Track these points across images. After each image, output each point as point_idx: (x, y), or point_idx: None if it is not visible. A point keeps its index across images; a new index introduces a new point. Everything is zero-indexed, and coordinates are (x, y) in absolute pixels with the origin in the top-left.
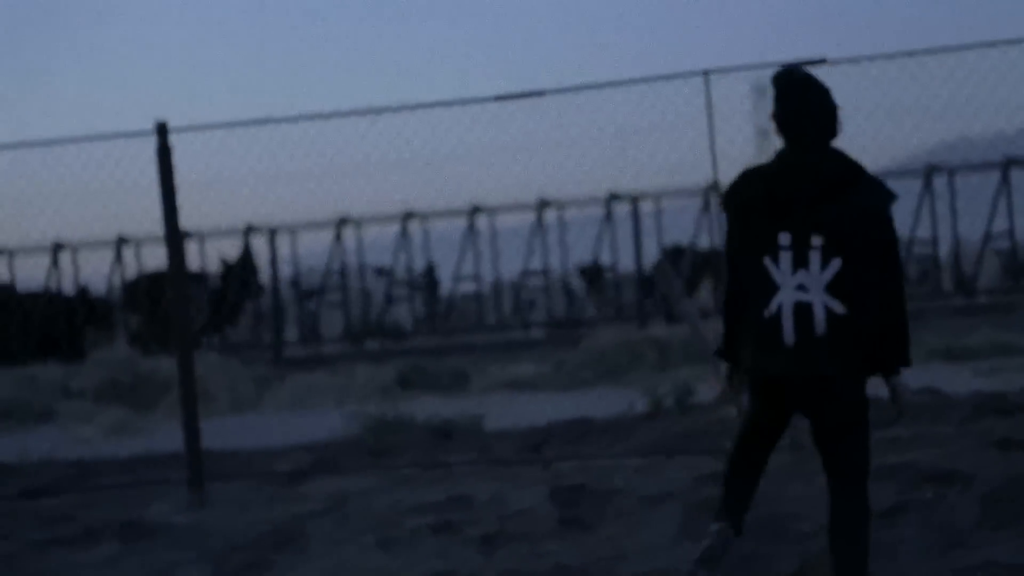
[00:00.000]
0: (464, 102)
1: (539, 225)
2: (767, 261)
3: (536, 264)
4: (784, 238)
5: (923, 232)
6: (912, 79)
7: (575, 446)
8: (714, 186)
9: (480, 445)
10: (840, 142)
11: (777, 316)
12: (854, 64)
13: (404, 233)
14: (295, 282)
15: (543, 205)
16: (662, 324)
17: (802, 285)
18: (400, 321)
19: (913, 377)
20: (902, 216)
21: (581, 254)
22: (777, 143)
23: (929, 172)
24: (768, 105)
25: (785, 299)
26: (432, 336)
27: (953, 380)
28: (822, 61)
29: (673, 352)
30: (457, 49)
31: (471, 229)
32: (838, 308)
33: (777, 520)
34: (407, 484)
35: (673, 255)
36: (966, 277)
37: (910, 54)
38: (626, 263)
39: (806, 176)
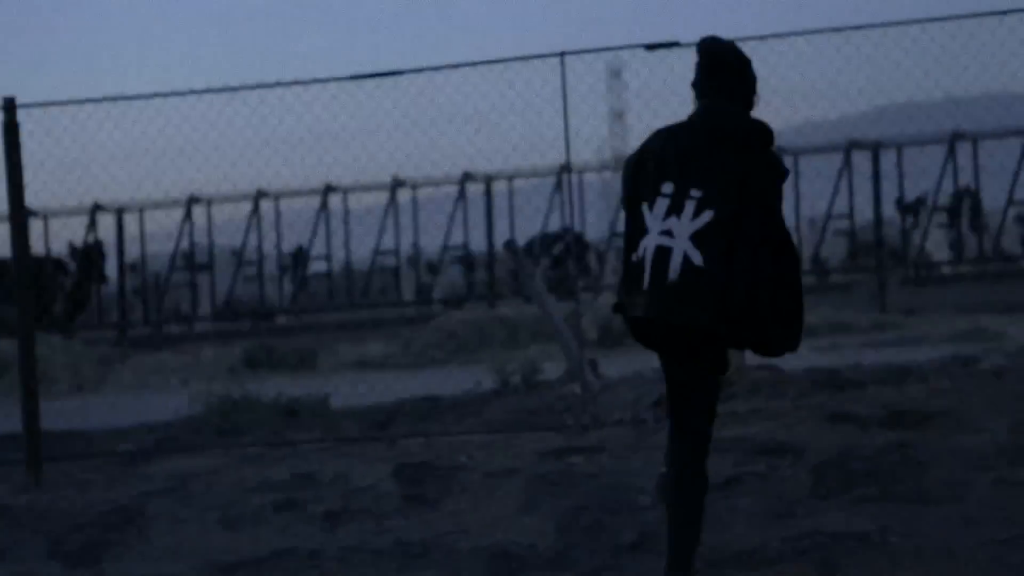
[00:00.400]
0: (321, 81)
1: (392, 205)
2: (644, 207)
3: (391, 243)
4: (667, 187)
5: None
6: (762, 63)
7: (421, 424)
8: (567, 166)
9: (326, 424)
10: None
11: (641, 260)
12: None
13: (256, 212)
14: (134, 266)
15: (397, 185)
16: (517, 303)
17: (668, 231)
18: (266, 300)
19: (748, 355)
20: None
21: (434, 234)
22: (632, 124)
23: None
24: (622, 87)
25: (649, 243)
26: (295, 315)
27: (792, 356)
28: (675, 44)
29: (523, 331)
30: (313, 28)
31: (324, 209)
32: (696, 258)
33: (619, 491)
34: (252, 463)
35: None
36: (819, 257)
37: (761, 38)
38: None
39: (704, 134)
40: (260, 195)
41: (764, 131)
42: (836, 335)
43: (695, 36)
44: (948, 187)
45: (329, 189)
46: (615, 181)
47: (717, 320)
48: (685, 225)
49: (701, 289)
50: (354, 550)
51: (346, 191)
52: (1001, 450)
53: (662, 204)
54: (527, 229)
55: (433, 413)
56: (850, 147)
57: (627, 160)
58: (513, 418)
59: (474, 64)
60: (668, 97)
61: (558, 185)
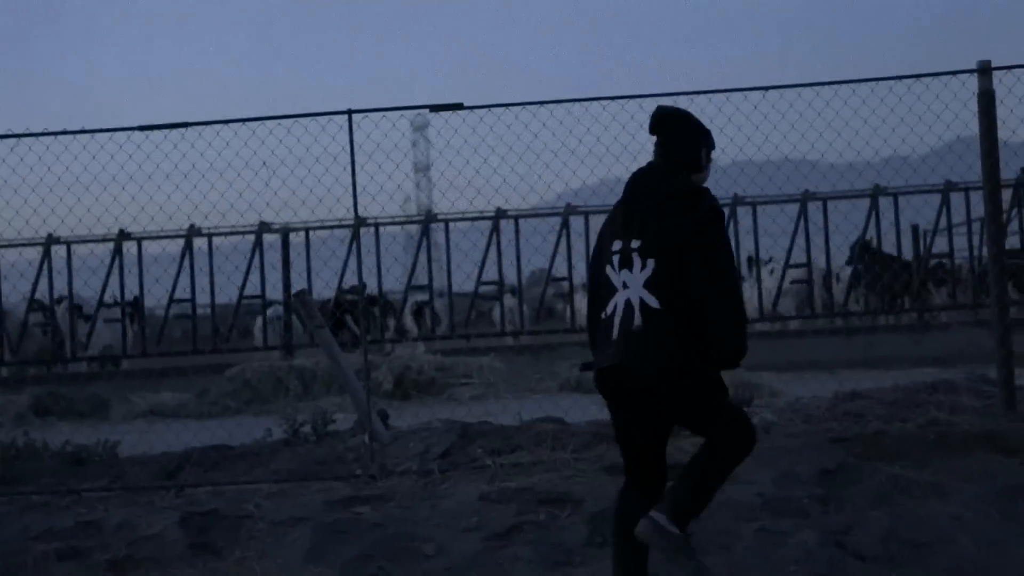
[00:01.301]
0: (110, 131)
1: (189, 252)
2: (608, 269)
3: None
4: (616, 244)
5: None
6: (560, 124)
7: (210, 472)
8: (356, 220)
9: (114, 472)
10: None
11: (611, 316)
12: (490, 111)
13: (47, 256)
14: None
15: (193, 233)
16: (313, 353)
17: (625, 284)
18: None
19: (545, 407)
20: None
21: (232, 281)
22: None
23: (567, 213)
24: (425, 144)
25: (618, 299)
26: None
27: (583, 410)
28: (459, 106)
29: (318, 382)
30: (106, 81)
31: (118, 254)
32: (653, 303)
33: (403, 540)
34: (36, 511)
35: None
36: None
37: (542, 103)
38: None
39: (642, 194)
40: (51, 240)
41: (687, 190)
42: None
43: (480, 101)
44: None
45: (123, 236)
46: (418, 234)
47: (678, 354)
48: (637, 275)
49: (661, 329)
50: None
51: (140, 239)
52: (766, 502)
53: (615, 261)
54: (330, 281)
55: (223, 462)
56: None
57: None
58: (302, 467)
59: (263, 119)
60: (469, 154)
61: (353, 238)
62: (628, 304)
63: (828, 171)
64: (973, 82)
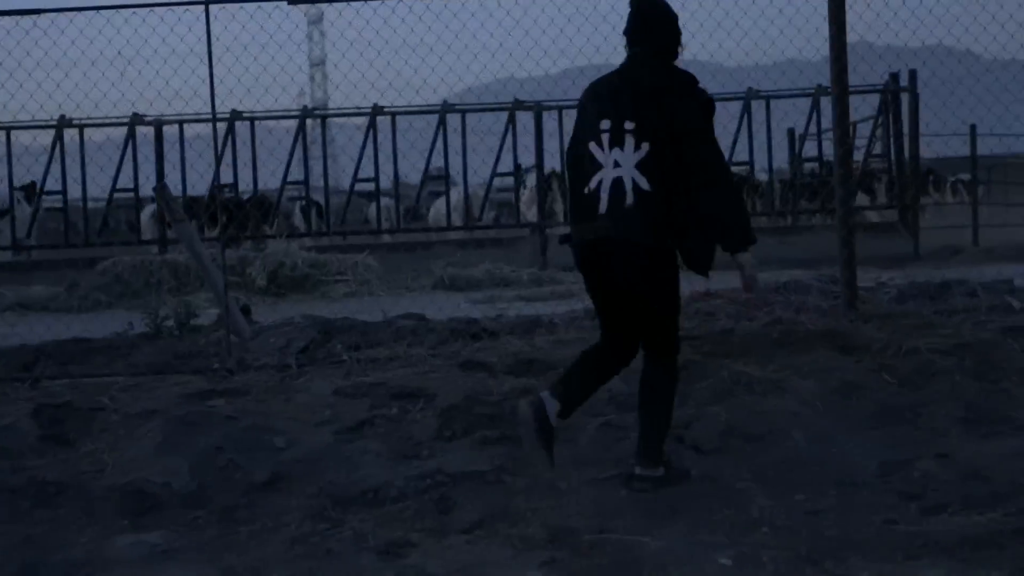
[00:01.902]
0: None
1: (60, 143)
2: (592, 145)
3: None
4: (605, 123)
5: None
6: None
7: (68, 366)
8: (213, 115)
9: None
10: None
11: (596, 190)
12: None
13: None
14: None
15: (64, 124)
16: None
17: (617, 163)
18: None
19: (418, 303)
20: None
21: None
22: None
23: (444, 111)
24: (320, 37)
25: (604, 176)
26: None
27: (451, 308)
28: None
29: (193, 277)
30: None
31: None
32: (644, 184)
33: (256, 433)
34: None
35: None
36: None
37: None
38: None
39: (632, 76)
40: None
41: (685, 79)
42: (496, 288)
43: None
44: None
45: None
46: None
47: (664, 236)
48: (629, 156)
49: (651, 210)
50: None
51: (9, 128)
52: (612, 397)
53: (605, 139)
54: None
55: (82, 355)
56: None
57: (578, 108)
58: (161, 361)
59: (118, 7)
60: (364, 47)
61: (228, 133)
62: (618, 182)
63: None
64: None
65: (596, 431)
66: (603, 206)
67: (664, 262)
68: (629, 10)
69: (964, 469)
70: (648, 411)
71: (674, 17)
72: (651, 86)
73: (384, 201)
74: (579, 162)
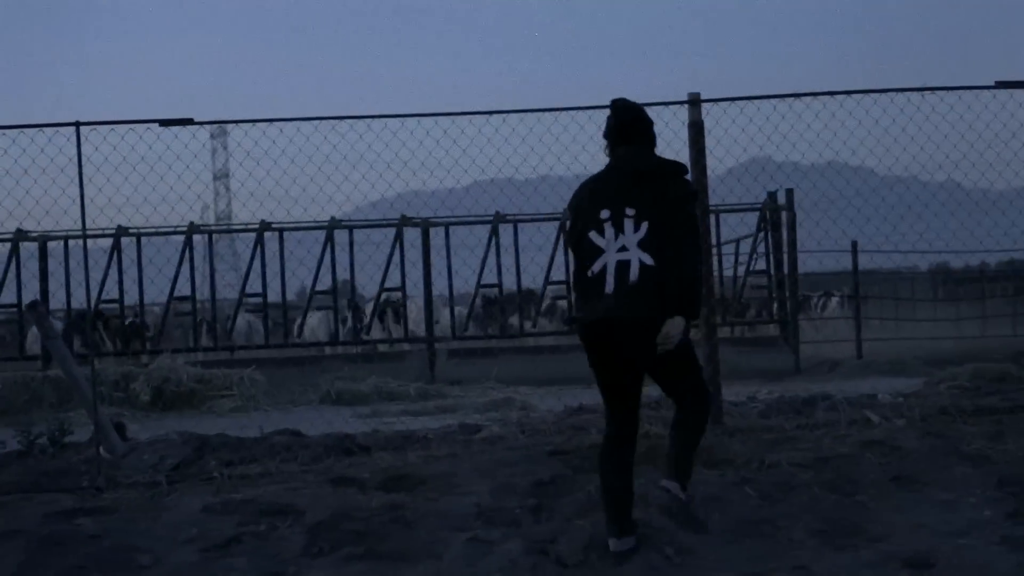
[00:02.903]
0: None
1: None
2: (592, 234)
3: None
4: (605, 213)
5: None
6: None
7: None
8: (83, 232)
9: None
10: None
11: (601, 273)
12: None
13: None
14: None
15: None
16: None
17: (623, 247)
18: None
19: (292, 420)
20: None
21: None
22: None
23: (331, 227)
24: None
25: (608, 259)
26: None
27: (313, 423)
28: (189, 121)
29: (75, 394)
30: None
31: None
32: (648, 260)
33: (120, 552)
34: None
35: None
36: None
37: (270, 121)
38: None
39: (623, 169)
40: None
41: (675, 164)
42: (383, 403)
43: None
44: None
45: None
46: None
47: (661, 308)
48: (630, 237)
49: (654, 282)
50: None
51: None
52: (481, 511)
53: (608, 228)
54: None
55: None
56: (402, 224)
57: (569, 206)
58: (29, 479)
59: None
60: (268, 162)
61: (113, 249)
62: (623, 264)
63: None
64: (684, 112)
65: (462, 546)
66: (609, 286)
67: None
68: (612, 118)
69: None
70: (681, 439)
71: (650, 121)
72: (646, 170)
73: (248, 318)
74: (580, 250)
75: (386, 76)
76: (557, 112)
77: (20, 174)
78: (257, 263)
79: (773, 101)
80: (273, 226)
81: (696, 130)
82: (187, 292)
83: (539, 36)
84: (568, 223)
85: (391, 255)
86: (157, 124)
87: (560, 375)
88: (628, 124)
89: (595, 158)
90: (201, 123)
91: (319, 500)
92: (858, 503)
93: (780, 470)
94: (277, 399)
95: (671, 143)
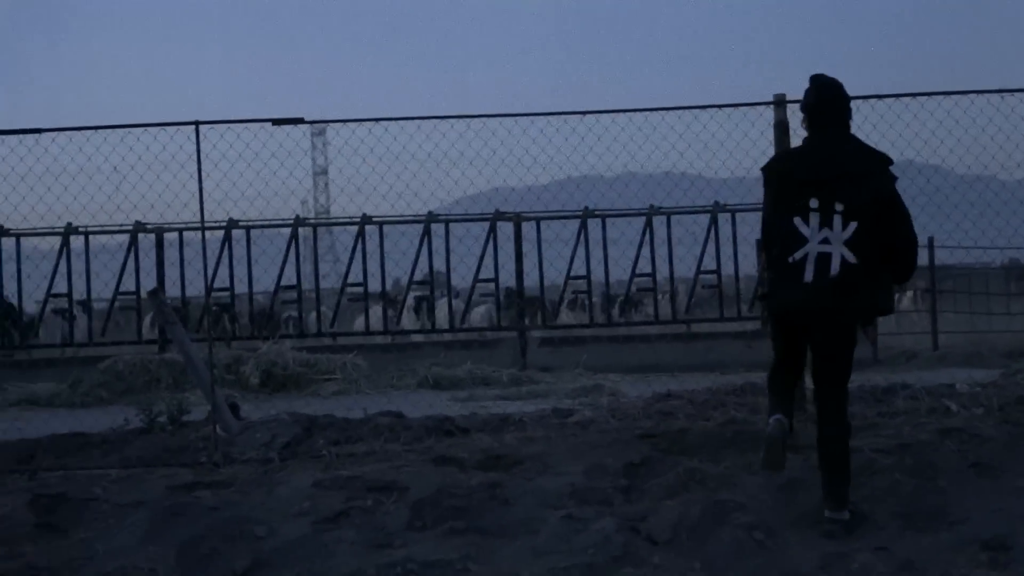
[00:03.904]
0: None
1: (66, 249)
2: (798, 221)
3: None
4: (813, 202)
5: None
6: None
7: (64, 458)
8: (202, 223)
9: None
10: None
11: (801, 262)
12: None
13: None
14: None
15: (70, 231)
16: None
17: (826, 239)
18: None
19: (391, 403)
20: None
21: (108, 281)
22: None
23: (429, 221)
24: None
25: (811, 250)
26: None
27: (428, 406)
28: (300, 120)
29: (188, 375)
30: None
31: None
32: (851, 258)
33: (237, 523)
34: None
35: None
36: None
37: (376, 120)
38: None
39: (838, 159)
40: None
41: (882, 159)
42: (477, 388)
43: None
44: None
45: (2, 232)
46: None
47: (860, 302)
48: (838, 234)
49: (853, 282)
50: None
51: (19, 235)
52: (574, 491)
53: (814, 218)
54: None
55: (79, 449)
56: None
57: (765, 177)
58: (152, 455)
59: (113, 127)
60: (366, 154)
61: (225, 239)
62: (824, 256)
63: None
64: (770, 113)
65: (557, 523)
66: (808, 275)
67: (854, 327)
68: (812, 94)
69: (900, 561)
70: (829, 463)
71: (848, 98)
72: (858, 171)
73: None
74: (780, 234)
75: (483, 77)
76: (647, 112)
77: (143, 170)
78: (358, 255)
79: (857, 102)
80: (374, 220)
81: (781, 130)
82: (293, 282)
83: (621, 39)
84: (769, 199)
85: (484, 248)
86: (270, 123)
87: (647, 363)
88: (828, 102)
89: (683, 156)
90: (311, 122)
91: (422, 478)
92: (938, 488)
93: (862, 455)
94: (377, 383)
95: (756, 142)
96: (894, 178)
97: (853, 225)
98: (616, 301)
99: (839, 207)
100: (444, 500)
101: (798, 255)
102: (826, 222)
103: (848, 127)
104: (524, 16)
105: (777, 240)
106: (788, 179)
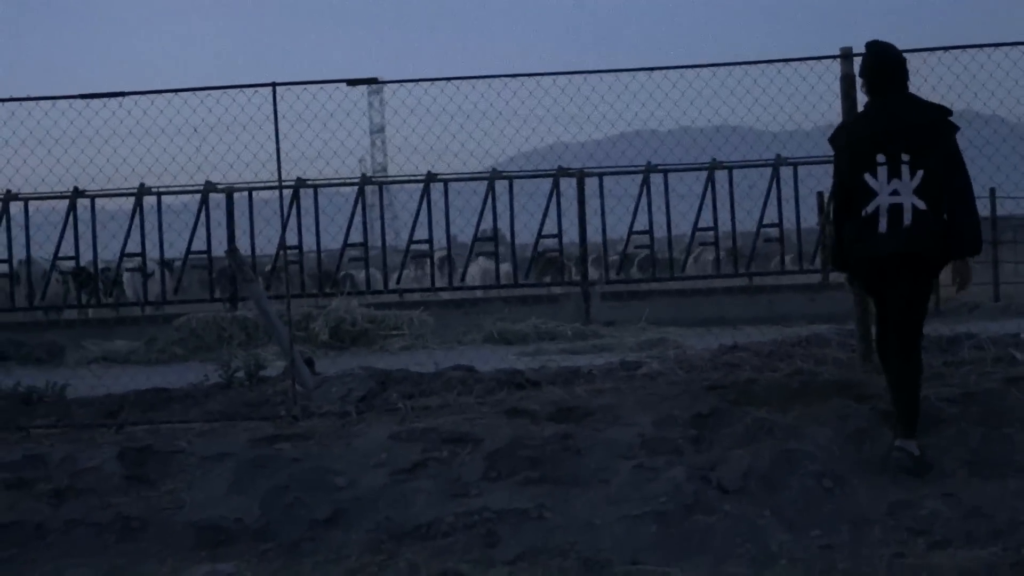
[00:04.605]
0: (52, 98)
1: (139, 210)
2: (867, 176)
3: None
4: (880, 157)
5: None
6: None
7: (149, 413)
8: (279, 182)
9: (60, 411)
10: None
11: (874, 214)
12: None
13: (6, 212)
14: None
15: (143, 191)
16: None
17: (896, 191)
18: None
19: (458, 358)
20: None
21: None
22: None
23: (493, 178)
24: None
25: (882, 202)
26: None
27: (497, 360)
28: (374, 80)
29: (260, 332)
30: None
31: (72, 211)
32: (921, 205)
33: (319, 474)
34: None
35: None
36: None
37: (448, 79)
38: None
39: (901, 115)
40: (9, 197)
41: (942, 111)
42: (542, 342)
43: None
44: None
45: (78, 193)
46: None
47: (939, 247)
48: (906, 184)
49: (928, 227)
50: (77, 523)
51: (94, 196)
52: (644, 441)
53: (882, 172)
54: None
55: (162, 403)
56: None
57: (834, 142)
58: (232, 409)
59: (194, 89)
60: (422, 114)
61: (293, 198)
62: (896, 207)
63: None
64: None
65: (629, 473)
66: (882, 226)
67: (929, 270)
68: (870, 58)
69: (968, 508)
70: (902, 395)
71: (904, 60)
72: (921, 124)
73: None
74: (853, 192)
75: (536, 37)
76: (699, 68)
77: (220, 130)
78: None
79: (922, 54)
80: (439, 177)
81: (848, 83)
82: (359, 239)
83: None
84: (839, 166)
85: (547, 204)
86: (345, 84)
87: (710, 316)
88: (885, 67)
89: (735, 111)
90: (385, 82)
91: (495, 430)
92: (1004, 436)
93: (928, 404)
94: (444, 338)
95: (823, 96)
96: (955, 128)
97: (920, 173)
98: (684, 256)
99: (905, 157)
100: (518, 451)
101: (870, 208)
102: (895, 173)
103: (906, 87)
104: None
105: (849, 202)
106: (854, 142)
